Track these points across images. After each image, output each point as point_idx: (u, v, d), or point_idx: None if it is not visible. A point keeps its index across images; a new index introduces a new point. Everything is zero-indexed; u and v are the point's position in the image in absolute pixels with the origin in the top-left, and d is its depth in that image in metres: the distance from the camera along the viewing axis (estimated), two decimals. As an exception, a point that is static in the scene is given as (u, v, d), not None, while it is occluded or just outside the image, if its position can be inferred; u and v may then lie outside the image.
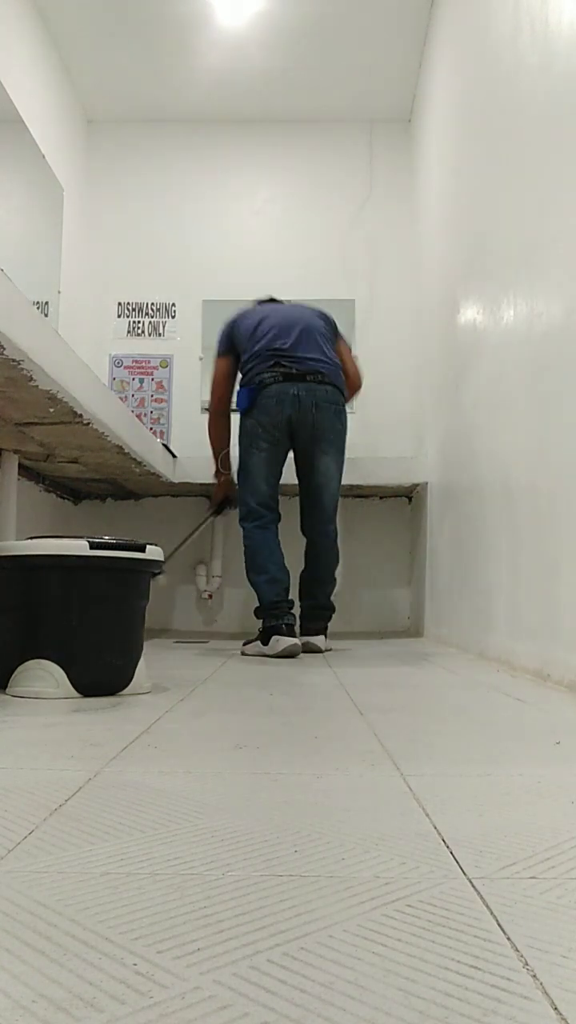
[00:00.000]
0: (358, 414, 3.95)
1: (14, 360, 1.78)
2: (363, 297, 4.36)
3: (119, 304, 4.37)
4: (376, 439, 4.05)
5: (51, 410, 2.20)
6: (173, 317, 4.37)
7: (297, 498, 3.10)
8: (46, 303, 3.73)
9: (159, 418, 4.31)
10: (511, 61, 2.27)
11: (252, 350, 2.96)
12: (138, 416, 4.09)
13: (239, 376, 3.06)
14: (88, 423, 2.37)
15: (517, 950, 0.49)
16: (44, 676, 1.62)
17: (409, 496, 4.17)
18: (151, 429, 4.19)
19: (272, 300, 3.27)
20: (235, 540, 3.15)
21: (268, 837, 0.71)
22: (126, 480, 3.58)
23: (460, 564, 2.94)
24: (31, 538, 1.72)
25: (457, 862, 0.65)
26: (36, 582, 1.67)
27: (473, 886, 0.60)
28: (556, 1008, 0.42)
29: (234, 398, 3.10)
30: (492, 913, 0.55)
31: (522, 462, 2.17)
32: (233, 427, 3.14)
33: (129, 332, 4.37)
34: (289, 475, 3.03)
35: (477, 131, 2.75)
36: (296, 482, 3.05)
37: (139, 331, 4.37)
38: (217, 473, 3.30)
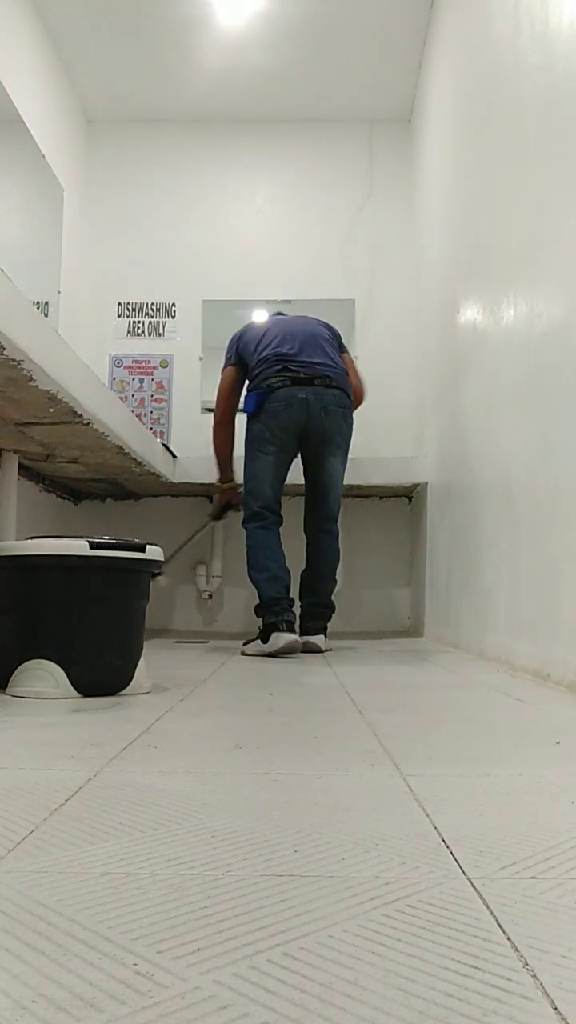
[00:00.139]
0: (358, 414, 3.94)
1: (14, 360, 1.78)
2: (363, 297, 4.36)
3: (119, 304, 4.37)
4: (376, 439, 4.05)
5: (51, 410, 2.20)
6: (173, 317, 4.37)
7: (297, 499, 3.11)
8: (46, 303, 3.73)
9: (159, 418, 4.31)
10: (511, 61, 2.27)
11: (259, 356, 2.99)
12: (138, 416, 4.09)
13: (246, 383, 3.10)
14: (88, 423, 2.37)
15: (517, 950, 0.49)
16: (44, 676, 1.62)
17: (409, 496, 4.17)
18: (151, 429, 4.19)
19: (279, 315, 3.34)
20: (235, 541, 3.16)
21: (268, 837, 0.71)
22: (126, 480, 3.58)
23: (460, 564, 2.94)
24: (31, 538, 1.72)
25: (457, 862, 0.65)
26: (36, 582, 1.67)
27: (473, 886, 0.60)
28: (556, 1008, 0.42)
29: (241, 402, 3.13)
30: (492, 913, 0.55)
31: (522, 462, 2.17)
32: (239, 430, 3.15)
33: (129, 332, 4.37)
34: (290, 476, 3.05)
35: (477, 131, 2.75)
36: (296, 482, 3.07)
37: (139, 331, 4.37)
38: (221, 480, 3.33)
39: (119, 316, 4.37)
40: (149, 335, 4.36)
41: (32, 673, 1.63)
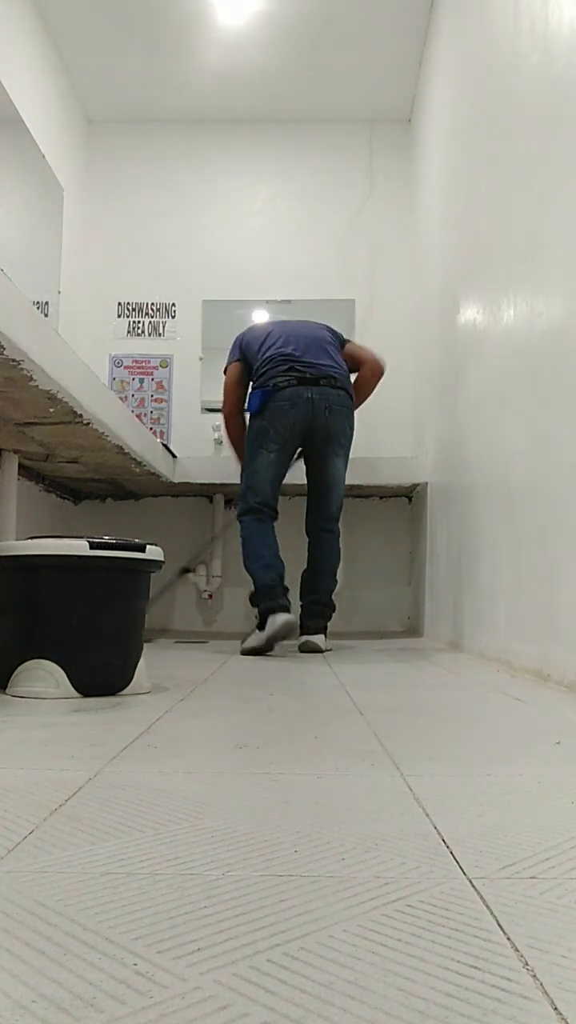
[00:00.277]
0: (358, 413, 3.95)
1: (14, 360, 1.78)
2: (363, 297, 4.36)
3: (119, 304, 4.37)
4: (376, 439, 4.05)
5: (51, 410, 2.20)
6: (173, 317, 4.37)
7: (298, 499, 3.12)
8: (46, 303, 3.73)
9: (159, 418, 4.31)
10: (511, 61, 2.27)
11: (264, 355, 3.03)
12: (138, 416, 4.09)
13: (250, 382, 3.12)
14: (88, 423, 2.37)
15: (517, 950, 0.49)
16: (44, 676, 1.62)
17: (409, 496, 4.17)
18: (151, 429, 4.19)
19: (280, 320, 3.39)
20: (235, 541, 3.16)
21: (268, 837, 0.71)
22: (126, 480, 3.58)
23: (460, 564, 2.94)
24: (31, 538, 1.72)
25: (457, 862, 0.65)
26: (36, 582, 1.67)
27: (473, 886, 0.60)
28: (556, 1008, 0.42)
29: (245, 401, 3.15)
30: (492, 913, 0.55)
31: (522, 462, 2.17)
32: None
33: (129, 332, 4.37)
34: (293, 476, 3.06)
35: (477, 131, 2.75)
36: (296, 482, 3.09)
37: (139, 331, 4.37)
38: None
39: (119, 316, 4.37)
40: (149, 335, 4.36)
41: (32, 673, 1.63)
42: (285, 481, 3.06)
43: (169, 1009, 0.42)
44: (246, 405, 3.11)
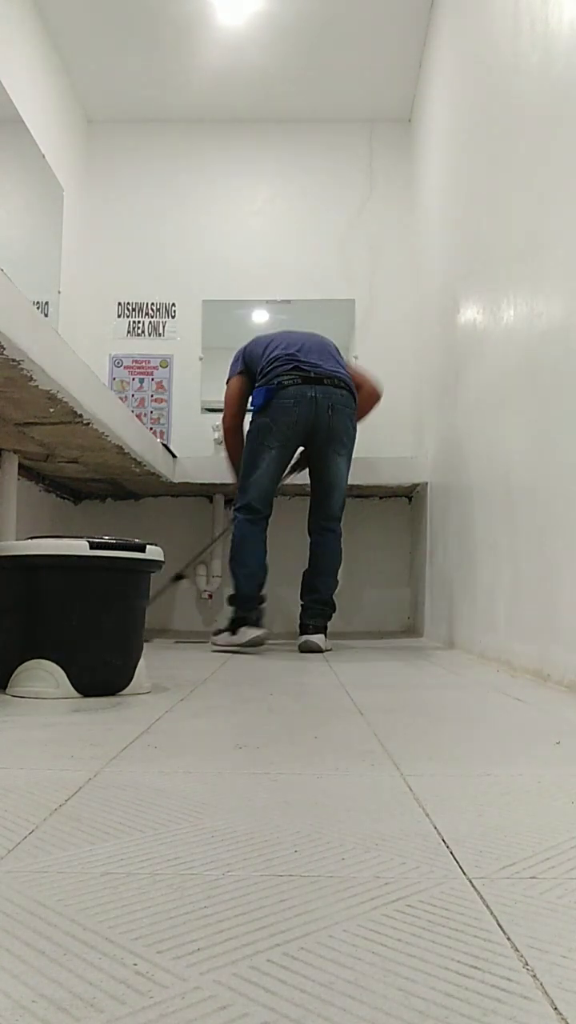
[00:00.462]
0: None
1: (14, 360, 1.78)
2: (363, 297, 4.36)
3: (119, 304, 4.37)
4: (376, 439, 4.05)
5: (51, 410, 2.20)
6: (173, 317, 4.37)
7: (297, 499, 3.13)
8: (46, 303, 3.73)
9: (159, 418, 4.31)
10: (511, 61, 2.27)
11: (269, 356, 3.05)
12: (138, 416, 4.09)
13: (255, 382, 3.13)
14: (88, 423, 2.37)
15: (517, 950, 0.49)
16: (44, 676, 1.62)
17: (409, 496, 4.17)
18: (151, 429, 4.19)
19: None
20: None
21: (268, 837, 0.71)
22: (126, 480, 3.58)
23: (460, 564, 2.94)
24: (31, 538, 1.72)
25: (457, 862, 0.65)
26: (36, 582, 1.67)
27: (473, 886, 0.60)
28: (556, 1008, 0.42)
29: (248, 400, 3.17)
30: (492, 913, 0.55)
31: (522, 462, 2.17)
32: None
33: (129, 332, 4.37)
34: (295, 476, 3.06)
35: (477, 131, 2.75)
36: (297, 482, 3.09)
37: (139, 331, 4.37)
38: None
39: (119, 316, 4.37)
40: (149, 335, 4.36)
41: (32, 673, 1.63)
42: (286, 481, 3.07)
43: (169, 1009, 0.42)
44: (250, 403, 3.12)
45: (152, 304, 4.38)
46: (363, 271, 4.38)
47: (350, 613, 3.99)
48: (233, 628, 2.89)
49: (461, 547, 2.93)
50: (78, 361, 2.18)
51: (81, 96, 4.26)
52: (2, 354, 1.73)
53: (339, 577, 3.11)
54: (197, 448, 4.10)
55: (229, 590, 3.00)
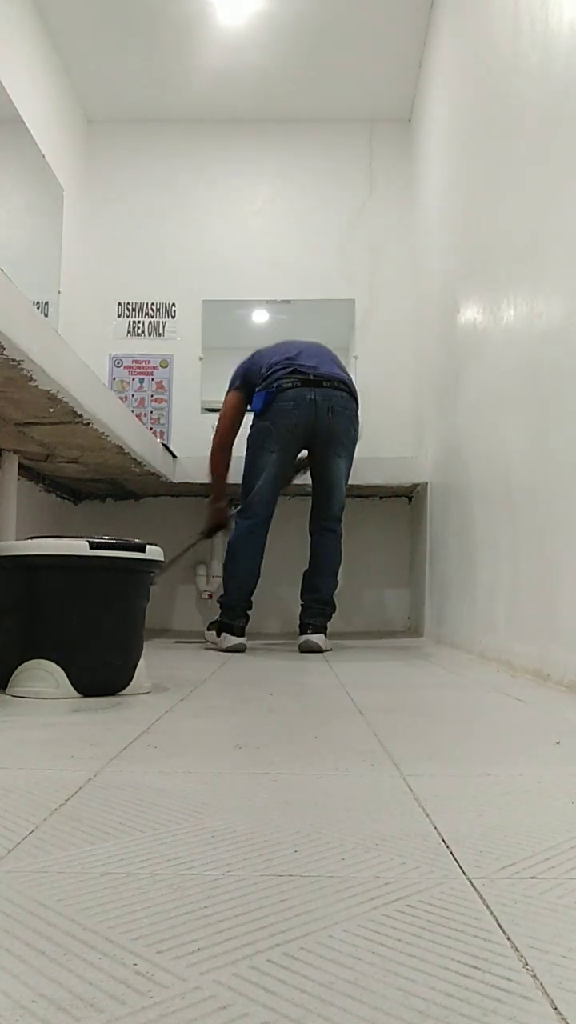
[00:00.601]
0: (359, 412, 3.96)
1: (14, 360, 1.78)
2: (363, 297, 4.36)
3: (119, 304, 4.37)
4: (376, 439, 4.05)
5: (51, 410, 2.20)
6: (173, 317, 4.37)
7: (297, 499, 3.13)
8: (46, 303, 3.73)
9: (159, 418, 4.31)
10: (511, 61, 2.27)
11: (269, 363, 3.06)
12: (138, 416, 4.09)
13: (255, 388, 3.14)
14: (88, 423, 2.36)
15: (517, 950, 0.49)
16: (44, 676, 1.62)
17: (409, 496, 4.17)
18: (151, 429, 4.19)
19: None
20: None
21: (268, 837, 0.71)
22: (126, 480, 3.58)
23: (460, 564, 2.94)
24: (31, 538, 1.72)
25: (457, 862, 0.65)
26: (36, 582, 1.67)
27: (473, 886, 0.60)
28: (556, 1008, 0.42)
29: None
30: (492, 913, 0.55)
31: (522, 462, 2.17)
32: (242, 431, 3.18)
33: (129, 332, 4.36)
34: (296, 477, 3.07)
35: (477, 131, 2.75)
36: (297, 483, 3.10)
37: (139, 331, 4.37)
38: (214, 499, 3.40)
39: (119, 316, 4.37)
40: (149, 335, 4.36)
41: (32, 673, 1.63)
42: (281, 482, 3.07)
43: (169, 1009, 0.42)
44: (249, 407, 3.13)
45: (152, 304, 4.38)
46: (363, 271, 4.38)
47: (350, 613, 3.99)
48: (218, 631, 2.96)
49: (461, 547, 2.93)
50: (78, 361, 2.18)
51: (81, 96, 4.25)
52: (2, 354, 1.73)
53: (339, 577, 3.11)
54: (197, 448, 4.09)
55: (221, 591, 3.05)
